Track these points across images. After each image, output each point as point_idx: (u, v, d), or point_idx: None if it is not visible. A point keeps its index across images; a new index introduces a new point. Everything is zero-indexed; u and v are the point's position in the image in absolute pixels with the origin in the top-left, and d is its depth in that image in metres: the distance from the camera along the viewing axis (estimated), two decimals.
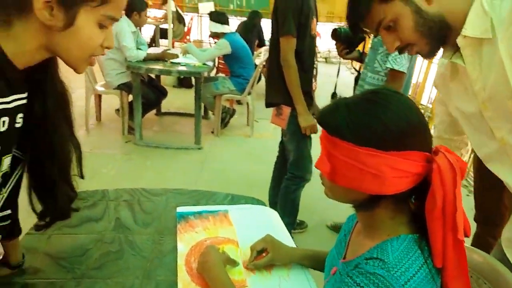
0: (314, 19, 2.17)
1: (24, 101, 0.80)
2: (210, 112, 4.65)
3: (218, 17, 4.04)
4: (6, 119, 0.74)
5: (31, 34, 0.72)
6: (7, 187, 0.87)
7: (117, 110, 4.15)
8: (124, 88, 3.87)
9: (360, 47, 2.27)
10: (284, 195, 2.40)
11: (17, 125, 0.80)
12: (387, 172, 0.69)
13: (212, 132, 4.29)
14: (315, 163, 0.79)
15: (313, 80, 2.27)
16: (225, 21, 4.04)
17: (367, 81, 2.14)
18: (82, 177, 1.00)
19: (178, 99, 5.24)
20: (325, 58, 8.68)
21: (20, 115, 0.80)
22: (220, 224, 1.25)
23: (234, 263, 1.04)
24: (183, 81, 5.86)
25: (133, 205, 1.35)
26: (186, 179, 3.26)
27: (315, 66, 2.27)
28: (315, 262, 1.07)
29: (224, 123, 4.41)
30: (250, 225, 1.25)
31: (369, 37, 2.13)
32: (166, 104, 4.71)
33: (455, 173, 0.67)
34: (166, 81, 5.54)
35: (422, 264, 0.69)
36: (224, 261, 1.00)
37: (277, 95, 2.23)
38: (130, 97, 3.92)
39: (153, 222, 1.27)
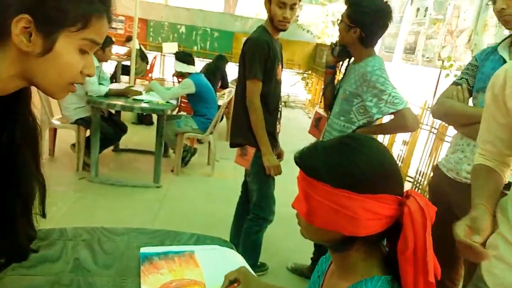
0: (280, 65, 2.27)
1: None
2: (170, 150, 4.59)
3: (184, 57, 4.11)
4: None
5: (7, 61, 0.70)
6: None
7: (73, 145, 4.00)
8: (82, 123, 3.76)
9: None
10: (246, 236, 2.37)
11: None
12: (361, 214, 0.71)
13: (172, 171, 4.22)
14: (292, 203, 0.80)
15: (278, 123, 2.33)
16: (190, 62, 4.11)
17: (336, 128, 2.09)
18: (44, 216, 0.95)
19: (137, 136, 5.15)
20: (284, 102, 8.96)
21: None
22: (186, 265, 1.21)
23: None
24: (142, 118, 5.80)
25: (93, 244, 1.28)
26: (143, 218, 3.15)
27: (279, 109, 2.34)
28: None
29: (185, 161, 4.37)
30: (217, 267, 1.22)
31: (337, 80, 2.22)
32: (125, 141, 4.61)
33: (425, 217, 0.70)
34: (125, 117, 5.45)
35: None
36: None
37: (242, 135, 2.27)
38: (88, 132, 3.81)
39: (115, 263, 1.21)
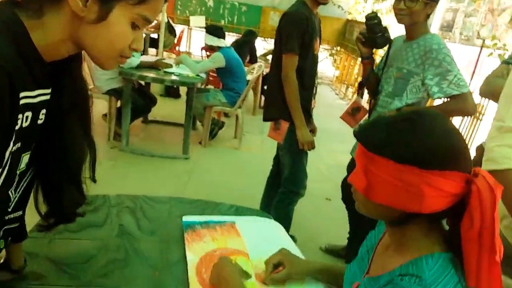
0: (318, 40, 2.21)
1: (48, 97, 0.77)
2: (198, 123, 4.62)
3: (215, 30, 4.07)
4: (29, 114, 0.71)
5: (61, 25, 0.70)
6: (20, 186, 0.82)
7: (104, 115, 4.07)
8: (114, 93, 3.81)
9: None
10: (277, 208, 2.39)
11: (39, 122, 0.76)
12: (426, 191, 0.69)
13: (200, 143, 4.26)
14: (349, 178, 0.79)
15: (313, 98, 2.30)
16: (221, 35, 4.07)
17: (391, 108, 1.95)
18: (94, 180, 0.97)
19: (165, 109, 5.19)
20: None
21: (43, 111, 0.77)
22: (228, 234, 1.22)
23: (247, 275, 1.02)
24: (170, 91, 5.83)
25: (136, 212, 1.31)
26: (172, 189, 3.21)
27: (315, 84, 2.30)
28: (331, 277, 1.06)
29: (212, 134, 4.39)
30: (258, 238, 1.23)
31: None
32: (153, 113, 4.65)
33: (494, 196, 0.68)
34: (154, 89, 5.49)
35: (456, 282, 0.70)
36: (239, 273, 0.98)
37: (276, 109, 2.24)
38: (118, 103, 3.86)
39: (158, 230, 1.23)
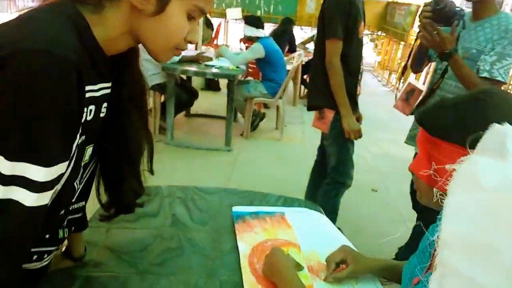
0: (362, 23, 2.14)
1: (109, 90, 0.79)
2: (239, 115, 4.65)
3: (254, 21, 4.06)
4: (93, 107, 0.73)
5: (120, 19, 0.71)
6: (84, 177, 0.85)
7: (149, 110, 4.18)
8: (158, 88, 3.90)
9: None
10: (323, 199, 2.35)
11: (102, 115, 0.78)
12: None
13: (242, 135, 4.28)
14: (410, 166, 0.75)
15: (358, 85, 2.23)
16: (260, 26, 4.05)
17: (454, 91, 1.82)
18: (152, 172, 0.99)
19: (207, 102, 5.25)
20: None
21: (105, 104, 0.79)
22: (278, 225, 1.22)
23: (299, 266, 1.01)
24: (211, 84, 5.90)
25: (187, 202, 1.34)
26: (217, 180, 3.25)
27: (361, 70, 2.23)
28: (395, 274, 1.02)
29: (254, 126, 4.40)
30: (308, 230, 1.22)
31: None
32: (195, 106, 4.73)
33: None
34: (194, 83, 5.58)
35: None
36: (293, 264, 0.97)
37: (320, 98, 2.20)
38: (162, 98, 3.95)
39: (210, 220, 1.25)
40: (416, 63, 1.97)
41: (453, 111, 0.69)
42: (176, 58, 3.76)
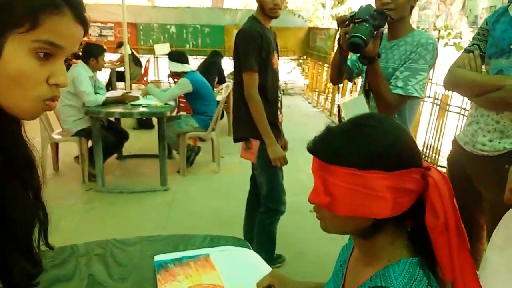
0: (275, 54, 2.22)
1: None
2: (174, 152, 4.57)
3: (178, 56, 4.07)
4: None
5: None
6: None
7: (76, 157, 3.98)
8: (83, 134, 3.74)
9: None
10: (260, 229, 2.35)
11: None
12: (391, 193, 0.68)
13: (178, 172, 4.20)
14: (309, 197, 0.77)
15: (279, 112, 2.29)
16: (185, 60, 4.06)
17: None
18: (50, 248, 0.89)
19: (139, 141, 5.12)
20: (283, 90, 8.90)
21: None
22: (202, 269, 1.18)
23: None
24: (143, 123, 5.77)
25: (106, 258, 1.26)
26: (155, 223, 3.13)
27: (279, 98, 2.29)
28: None
29: (190, 161, 4.34)
30: (233, 268, 1.19)
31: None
32: (128, 147, 4.59)
33: (449, 185, 0.69)
34: (126, 123, 5.43)
35: (426, 285, 0.68)
36: None
37: (245, 129, 2.23)
38: (90, 143, 3.79)
39: (130, 275, 1.18)
40: (335, 75, 1.87)
41: (341, 137, 0.72)
42: (100, 100, 3.65)
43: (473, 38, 1.67)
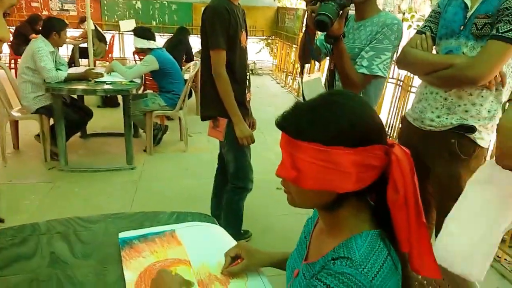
0: (243, 32, 2.19)
1: None
2: (140, 130, 4.48)
3: (143, 32, 3.95)
4: None
5: None
6: None
7: (37, 135, 3.83)
8: (44, 111, 3.60)
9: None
10: (227, 206, 2.37)
11: None
12: (355, 168, 0.71)
13: (145, 151, 4.14)
14: (276, 171, 0.78)
15: (247, 91, 2.28)
16: (151, 37, 3.95)
17: None
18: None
19: (104, 119, 4.98)
20: (251, 70, 8.85)
21: None
22: (168, 245, 1.19)
23: (189, 284, 1.00)
24: (108, 101, 5.61)
25: (68, 236, 1.24)
26: (120, 202, 3.09)
27: (247, 77, 2.28)
28: None
29: (157, 140, 4.28)
30: (199, 243, 1.21)
31: None
32: (92, 125, 4.46)
33: (411, 161, 0.72)
34: (90, 101, 5.25)
35: (386, 256, 0.71)
36: (179, 283, 0.95)
37: (212, 107, 2.21)
38: (51, 121, 3.65)
39: (94, 252, 1.17)
40: (303, 54, 1.84)
41: (308, 112, 0.74)
42: (62, 77, 3.51)
43: (425, 20, 1.75)
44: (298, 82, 2.18)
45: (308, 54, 1.81)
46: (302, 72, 1.87)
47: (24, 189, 3.17)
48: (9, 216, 2.40)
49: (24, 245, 1.18)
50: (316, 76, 1.78)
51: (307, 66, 1.93)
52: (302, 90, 1.77)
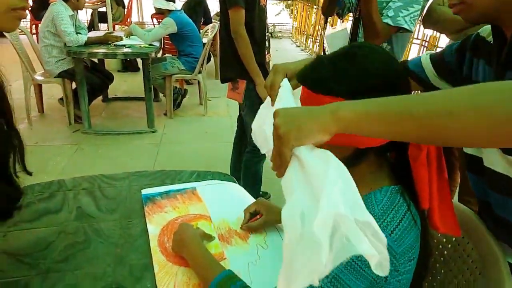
0: None
1: None
2: (160, 94, 4.51)
3: None
4: None
5: None
6: None
7: (61, 99, 3.90)
8: (66, 75, 3.64)
9: None
10: (246, 169, 2.39)
11: None
12: None
13: (165, 114, 4.18)
14: None
15: (267, 52, 2.24)
16: None
17: None
18: (28, 173, 0.90)
19: (125, 84, 5.03)
20: (271, 33, 8.66)
21: None
22: (189, 201, 1.22)
23: (209, 237, 1.03)
24: (128, 65, 5.63)
25: (94, 192, 1.28)
26: (142, 164, 3.17)
27: (267, 38, 2.24)
28: None
29: (177, 104, 4.31)
30: (219, 200, 1.23)
31: None
32: (113, 90, 4.51)
33: None
34: (110, 66, 5.29)
35: (405, 211, 0.71)
36: (201, 236, 0.98)
37: (232, 69, 2.19)
38: (74, 85, 3.70)
39: (118, 207, 1.21)
40: (327, 6, 1.83)
41: (330, 66, 0.72)
42: (82, 40, 3.52)
43: None
44: (321, 34, 2.11)
45: (334, 3, 1.76)
46: (325, 24, 1.81)
47: (49, 151, 3.27)
48: (36, 176, 2.50)
49: (51, 200, 1.23)
50: (342, 28, 1.72)
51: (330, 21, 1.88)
52: (324, 43, 1.72)
